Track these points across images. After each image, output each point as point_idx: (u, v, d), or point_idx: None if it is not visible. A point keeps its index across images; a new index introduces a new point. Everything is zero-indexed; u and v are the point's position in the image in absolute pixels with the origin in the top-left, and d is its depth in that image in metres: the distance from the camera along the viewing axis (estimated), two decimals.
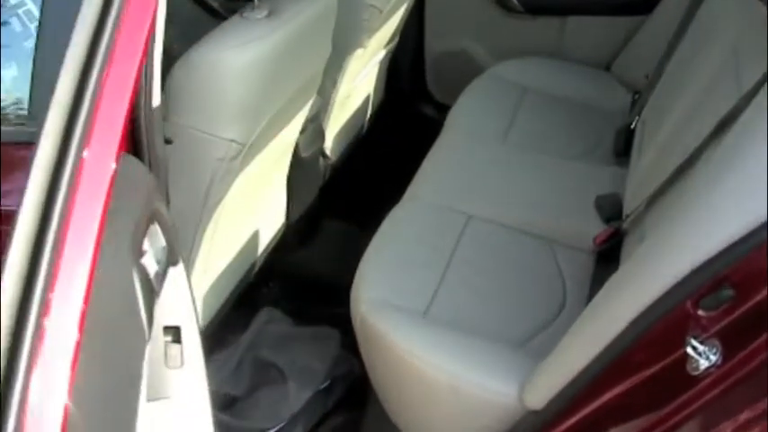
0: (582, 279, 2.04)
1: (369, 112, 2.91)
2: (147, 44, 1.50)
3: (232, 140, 1.75)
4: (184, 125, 1.73)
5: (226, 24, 1.77)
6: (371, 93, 2.87)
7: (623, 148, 2.43)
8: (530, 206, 2.24)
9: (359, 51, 2.45)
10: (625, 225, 2.00)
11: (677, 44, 2.34)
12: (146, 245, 1.25)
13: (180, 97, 1.72)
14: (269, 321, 2.25)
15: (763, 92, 1.48)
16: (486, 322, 1.87)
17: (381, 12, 2.41)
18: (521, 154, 2.46)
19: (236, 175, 1.85)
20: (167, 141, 1.72)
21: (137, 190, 1.28)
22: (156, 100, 1.60)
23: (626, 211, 2.09)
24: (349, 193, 2.83)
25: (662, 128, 2.07)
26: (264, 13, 1.79)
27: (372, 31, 2.44)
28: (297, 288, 2.58)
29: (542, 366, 1.62)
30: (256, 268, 2.29)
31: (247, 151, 1.83)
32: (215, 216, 1.87)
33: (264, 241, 2.28)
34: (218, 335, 2.18)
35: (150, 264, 1.22)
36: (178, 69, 1.70)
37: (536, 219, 2.20)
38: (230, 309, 2.20)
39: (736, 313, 1.32)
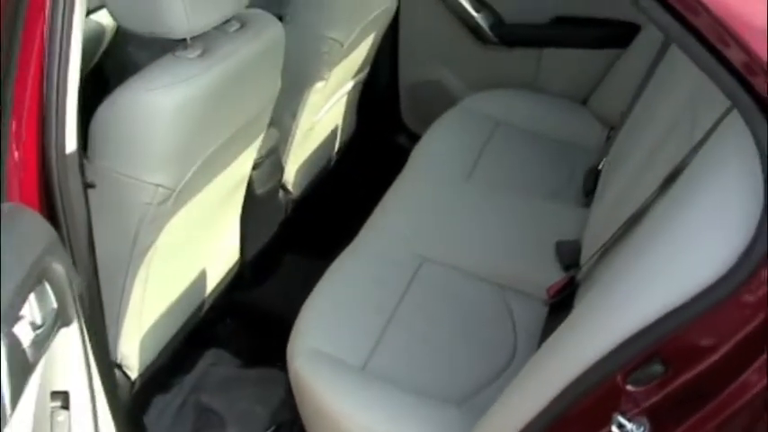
0: (535, 330, 1.95)
1: (337, 145, 2.83)
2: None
3: (159, 185, 1.68)
4: (108, 168, 1.66)
5: (156, 64, 1.69)
6: (340, 124, 2.79)
7: (592, 188, 2.34)
8: (487, 250, 2.16)
9: (319, 84, 2.38)
10: (579, 276, 1.91)
11: (646, 84, 2.25)
12: (27, 308, 1.17)
13: (104, 140, 1.65)
14: (215, 363, 2.17)
15: (710, 145, 1.39)
16: (429, 376, 1.79)
17: (343, 45, 2.33)
18: (485, 193, 2.38)
19: (169, 217, 1.78)
20: (89, 185, 1.65)
21: (23, 246, 1.20)
22: (71, 144, 1.54)
23: (582, 259, 2.00)
24: (313, 228, 2.75)
25: (621, 173, 1.98)
26: (198, 51, 1.72)
27: (333, 64, 2.36)
28: (254, 326, 2.50)
29: (480, 425, 1.54)
30: (206, 307, 2.21)
31: (180, 194, 1.75)
32: (146, 260, 1.79)
33: (215, 279, 2.21)
34: (162, 377, 2.10)
35: (25, 332, 1.14)
36: (103, 110, 1.63)
37: (493, 264, 2.11)
38: (177, 349, 2.12)
39: (667, 390, 1.24)
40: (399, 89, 3.11)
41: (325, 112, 2.57)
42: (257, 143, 2.13)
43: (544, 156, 2.62)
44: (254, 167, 2.28)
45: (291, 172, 2.54)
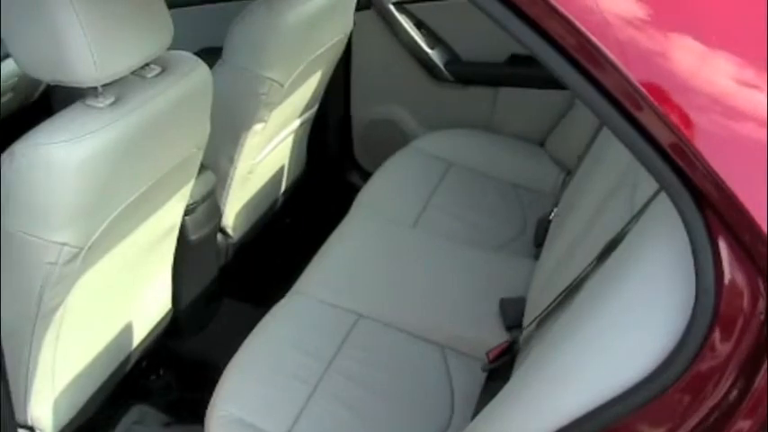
0: (473, 394, 1.84)
1: (284, 185, 2.72)
2: None
3: (64, 244, 1.56)
4: (9, 226, 1.54)
5: (62, 113, 1.58)
6: (287, 163, 2.68)
7: (542, 240, 2.23)
8: (429, 305, 2.04)
9: (258, 126, 2.27)
10: (520, 340, 1.80)
11: (600, 130, 2.15)
12: None
13: (4, 195, 1.53)
14: (138, 421, 2.05)
15: (647, 216, 1.28)
16: None
17: (283, 85, 2.22)
18: (430, 242, 2.27)
19: (79, 275, 1.66)
20: None
21: None
22: None
23: (525, 321, 1.89)
24: (253, 274, 2.64)
25: (566, 229, 1.87)
26: (110, 100, 1.60)
27: (273, 105, 2.25)
28: (186, 378, 2.38)
29: None
30: (133, 361, 2.09)
31: (90, 251, 1.63)
32: (56, 320, 1.68)
33: (142, 331, 2.09)
34: None
35: None
36: (5, 159, 1.51)
37: (434, 321, 2.00)
38: (100, 406, 2.00)
39: None
40: (352, 126, 2.99)
41: (267, 152, 2.46)
42: (187, 189, 2.01)
43: (497, 200, 2.51)
44: (188, 213, 2.17)
45: (231, 216, 2.42)
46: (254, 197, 2.52)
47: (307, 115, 2.63)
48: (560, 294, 1.57)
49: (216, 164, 2.29)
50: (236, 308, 2.54)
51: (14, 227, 1.55)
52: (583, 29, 0.96)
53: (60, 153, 1.50)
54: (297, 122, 2.58)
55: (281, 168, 2.65)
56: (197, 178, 2.18)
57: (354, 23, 2.59)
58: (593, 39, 0.96)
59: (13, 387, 1.74)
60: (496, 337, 1.93)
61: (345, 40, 2.58)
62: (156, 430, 2.04)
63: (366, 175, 2.73)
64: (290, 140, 2.62)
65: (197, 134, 1.89)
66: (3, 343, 1.64)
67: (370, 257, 2.18)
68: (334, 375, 1.82)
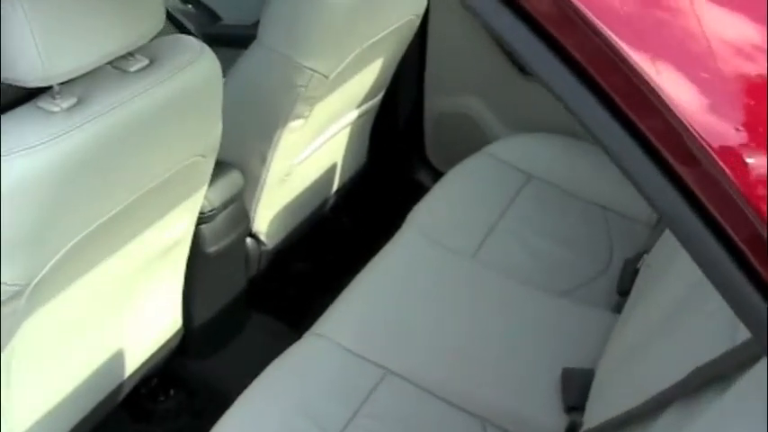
0: None
1: (336, 183, 2.35)
2: None
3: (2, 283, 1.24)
4: None
5: (6, 118, 1.26)
6: (341, 160, 2.31)
7: (628, 288, 1.80)
8: (474, 367, 1.67)
9: (295, 123, 1.91)
10: None
11: None
12: None
13: None
14: None
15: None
16: None
17: (327, 77, 1.85)
18: (489, 280, 1.87)
19: (25, 317, 1.34)
20: None
21: None
22: None
23: (590, 403, 1.49)
24: (288, 287, 2.30)
25: (649, 301, 1.46)
26: (69, 101, 1.27)
27: (314, 99, 1.89)
28: (196, 402, 2.08)
29: None
30: (126, 389, 1.79)
31: (39, 287, 1.32)
32: (3, 363, 1.37)
33: (137, 357, 1.78)
34: None
35: None
36: None
37: (477, 388, 1.63)
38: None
39: None
40: (424, 120, 2.59)
41: (311, 152, 2.09)
42: (194, 201, 1.68)
43: (580, 225, 2.09)
44: (204, 222, 1.84)
45: (263, 221, 2.08)
46: (296, 199, 2.17)
47: (366, 106, 2.25)
48: (630, 412, 1.17)
49: (245, 163, 1.95)
50: (265, 325, 2.21)
51: None
52: None
53: None
54: (353, 114, 2.20)
55: (333, 166, 2.29)
56: (219, 181, 1.85)
57: (429, 2, 2.19)
58: None
59: None
60: (552, 417, 1.56)
61: (418, 22, 2.18)
62: None
63: (437, 175, 2.34)
64: (344, 134, 2.25)
65: (199, 140, 1.55)
66: None
67: (411, 296, 1.80)
68: None
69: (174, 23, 2.47)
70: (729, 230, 0.73)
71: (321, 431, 1.50)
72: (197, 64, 1.45)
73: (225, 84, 1.87)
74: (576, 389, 1.58)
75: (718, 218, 0.74)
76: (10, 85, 1.24)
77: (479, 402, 1.60)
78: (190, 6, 2.55)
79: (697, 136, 0.73)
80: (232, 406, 1.52)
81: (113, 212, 1.40)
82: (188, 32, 2.49)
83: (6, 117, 1.26)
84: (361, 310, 1.76)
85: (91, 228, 1.36)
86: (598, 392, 1.48)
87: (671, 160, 0.75)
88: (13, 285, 1.27)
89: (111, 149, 1.31)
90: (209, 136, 1.57)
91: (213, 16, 2.56)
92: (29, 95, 1.30)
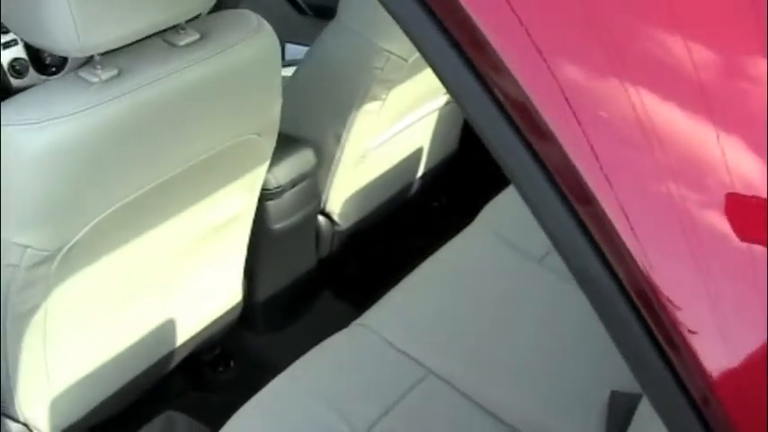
0: None
1: (422, 168, 2.29)
2: None
3: (26, 246, 1.26)
4: None
5: (46, 86, 1.27)
6: (428, 144, 2.25)
7: None
8: (518, 376, 1.59)
9: (372, 106, 1.86)
10: None
11: None
12: None
13: None
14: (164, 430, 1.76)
15: None
16: None
17: (407, 60, 1.79)
18: (552, 287, 1.77)
19: (59, 281, 1.36)
20: None
21: None
22: None
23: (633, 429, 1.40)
24: (360, 268, 2.26)
25: None
26: (110, 73, 1.27)
27: (392, 82, 1.83)
28: (258, 375, 2.07)
29: None
30: (175, 360, 1.80)
31: (72, 254, 1.33)
32: (35, 324, 1.40)
33: (189, 330, 1.79)
34: None
35: None
36: None
37: (520, 401, 1.55)
38: (128, 407, 1.75)
39: None
40: None
41: (391, 135, 2.04)
42: (254, 178, 1.67)
43: None
44: (271, 198, 1.83)
45: (337, 201, 2.05)
46: (373, 182, 2.13)
47: None
48: None
49: (319, 142, 1.92)
50: (332, 306, 2.19)
51: None
52: None
53: (21, 139, 1.20)
54: (440, 101, 2.13)
55: (418, 151, 2.23)
56: (289, 158, 1.83)
57: None
58: None
59: None
60: None
61: None
62: None
63: None
64: (431, 120, 2.18)
65: (252, 118, 1.52)
66: None
67: (468, 295, 1.73)
68: None
69: None
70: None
71: (348, 427, 1.46)
72: (251, 41, 1.42)
73: (303, 60, 1.85)
74: (620, 413, 1.48)
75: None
76: None
77: (517, 414, 1.52)
78: None
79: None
80: (261, 391, 1.50)
81: (155, 184, 1.39)
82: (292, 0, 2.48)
83: (50, 84, 1.28)
84: (412, 304, 1.71)
85: (128, 198, 1.36)
86: (640, 421, 1.38)
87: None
88: (42, 251, 1.28)
89: (148, 122, 1.31)
90: (264, 115, 1.54)
91: None
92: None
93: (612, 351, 1.56)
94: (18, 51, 2.03)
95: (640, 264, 0.66)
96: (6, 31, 2.02)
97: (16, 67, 2.00)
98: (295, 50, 2.59)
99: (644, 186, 0.68)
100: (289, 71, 2.09)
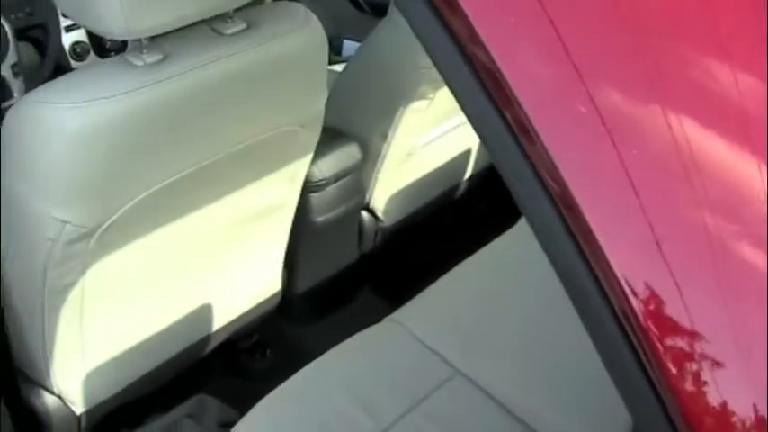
0: None
1: (470, 170, 2.29)
2: None
3: (65, 222, 1.29)
4: (8, 185, 1.31)
5: (95, 68, 1.31)
6: (475, 149, 2.25)
7: None
8: (547, 383, 1.58)
9: (419, 104, 1.87)
10: None
11: None
12: None
13: (6, 151, 1.30)
14: (192, 415, 1.80)
15: None
16: None
17: None
18: None
19: (96, 258, 1.40)
20: None
21: None
22: None
23: None
24: (401, 266, 2.27)
25: None
26: (156, 57, 1.29)
27: (439, 82, 1.81)
28: (294, 365, 2.10)
29: None
30: (211, 344, 1.83)
31: (109, 233, 1.36)
32: (72, 299, 1.44)
33: (226, 316, 1.81)
34: (122, 418, 1.77)
35: None
36: (8, 116, 1.27)
37: (545, 407, 1.54)
38: (158, 388, 1.79)
39: None
40: None
41: (439, 135, 2.04)
42: (296, 169, 1.69)
43: None
44: (314, 191, 1.85)
45: (381, 198, 2.06)
46: (419, 181, 2.13)
47: None
48: None
49: (366, 138, 1.94)
50: (372, 301, 2.20)
51: (15, 189, 1.31)
52: None
53: (64, 117, 1.23)
54: None
55: (466, 152, 2.23)
56: (334, 152, 1.85)
57: None
58: None
59: (31, 353, 1.54)
60: None
61: None
62: (203, 431, 1.77)
63: None
64: None
65: (295, 110, 1.54)
66: (17, 304, 1.45)
67: (506, 297, 1.73)
68: None
69: None
70: None
71: (371, 421, 1.47)
72: (298, 33, 1.44)
73: (354, 56, 1.86)
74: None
75: None
76: None
77: (545, 421, 1.52)
78: None
79: None
80: (288, 379, 1.52)
81: (194, 169, 1.42)
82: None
83: (97, 66, 1.31)
84: (446, 303, 1.71)
85: (167, 181, 1.38)
86: None
87: None
88: (80, 227, 1.31)
89: (190, 107, 1.33)
90: (307, 107, 1.56)
91: None
92: None
93: None
94: (80, 35, 2.09)
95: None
96: None
97: (77, 50, 2.06)
98: (352, 47, 2.61)
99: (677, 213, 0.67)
100: (342, 67, 2.11)
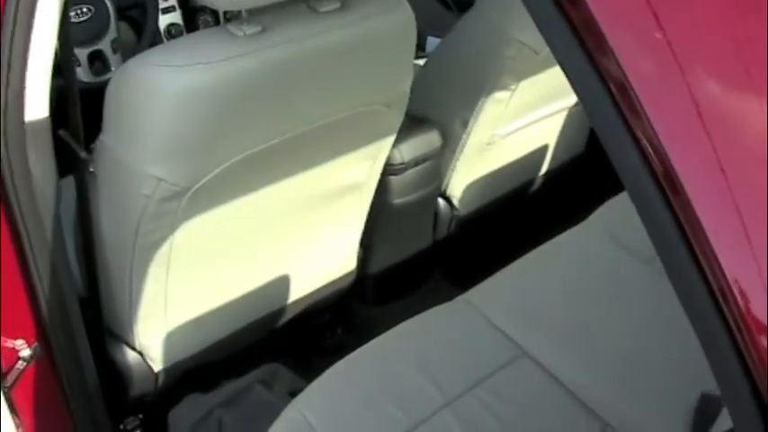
0: None
1: (546, 166, 2.33)
2: None
3: (160, 179, 1.37)
4: (109, 146, 1.40)
5: (195, 35, 1.39)
6: (553, 143, 2.28)
7: None
8: (609, 368, 1.60)
9: (501, 95, 1.91)
10: None
11: None
12: None
13: (109, 112, 1.39)
14: (263, 381, 1.85)
15: None
16: None
17: (537, 53, 1.84)
18: (657, 287, 1.76)
19: (187, 217, 1.47)
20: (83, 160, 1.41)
21: None
22: (36, 107, 1.28)
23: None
24: (473, 255, 2.30)
25: None
26: (255, 29, 1.37)
27: (522, 73, 1.88)
28: (363, 344, 2.16)
29: None
30: (286, 316, 1.90)
31: (199, 194, 1.43)
32: (161, 255, 1.52)
33: (302, 289, 1.88)
34: (198, 379, 1.85)
35: None
36: (115, 77, 1.36)
37: (605, 389, 1.57)
38: (233, 352, 1.86)
39: None
40: None
41: (519, 127, 2.08)
42: (378, 149, 1.74)
43: None
44: (394, 173, 1.91)
45: (458, 186, 2.11)
46: (496, 172, 2.17)
47: None
48: None
49: (447, 126, 1.99)
50: (443, 287, 2.24)
51: (114, 148, 1.40)
52: None
53: (168, 78, 1.31)
54: (570, 100, 2.16)
55: (543, 147, 2.26)
56: (415, 137, 1.91)
57: None
58: None
59: (117, 309, 1.63)
60: None
61: None
62: (271, 398, 1.83)
63: None
64: (559, 118, 2.22)
65: (382, 89, 1.60)
66: (108, 257, 1.53)
67: (571, 285, 1.76)
68: (449, 418, 1.48)
69: None
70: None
71: (438, 391, 1.52)
72: (389, 15, 1.50)
73: (439, 46, 1.92)
74: (706, 415, 1.48)
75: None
76: None
77: (606, 406, 1.54)
78: None
79: None
80: (358, 349, 1.57)
81: (282, 139, 1.48)
82: None
83: (199, 34, 1.39)
84: (516, 286, 1.75)
85: (257, 149, 1.45)
86: (725, 419, 1.38)
87: None
88: (174, 185, 1.39)
89: (283, 78, 1.40)
90: (394, 87, 1.61)
91: None
92: None
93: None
94: (175, 17, 2.19)
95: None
96: None
97: (172, 32, 2.16)
98: (435, 43, 2.67)
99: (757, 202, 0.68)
100: (425, 61, 2.16)
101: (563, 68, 0.73)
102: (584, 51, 0.70)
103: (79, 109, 1.40)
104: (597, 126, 0.73)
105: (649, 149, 0.70)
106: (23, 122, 1.27)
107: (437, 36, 2.63)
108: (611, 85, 0.71)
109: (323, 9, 1.44)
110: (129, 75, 1.34)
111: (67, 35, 1.31)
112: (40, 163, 1.33)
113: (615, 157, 0.72)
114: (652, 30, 0.69)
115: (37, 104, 1.28)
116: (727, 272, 0.69)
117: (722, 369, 0.72)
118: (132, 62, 1.35)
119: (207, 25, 2.23)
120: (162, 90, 1.30)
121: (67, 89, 1.40)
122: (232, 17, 1.53)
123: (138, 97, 1.32)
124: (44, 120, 1.31)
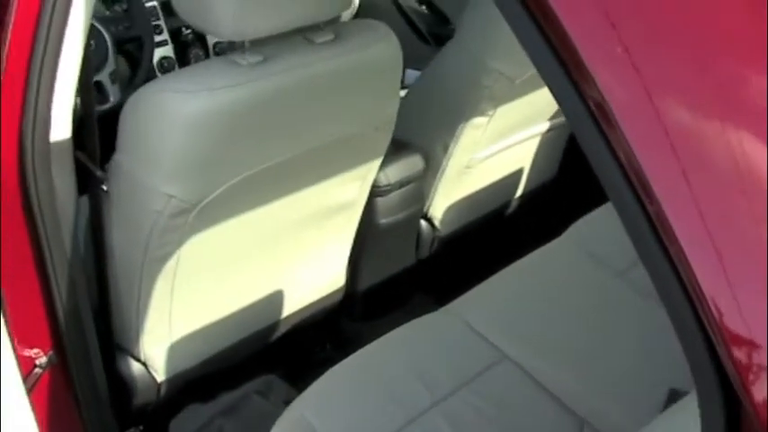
0: None
1: (521, 189, 2.47)
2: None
3: (171, 196, 1.49)
4: (123, 164, 1.52)
5: (203, 64, 1.52)
6: (528, 167, 2.43)
7: None
8: (586, 369, 1.73)
9: (479, 120, 2.05)
10: None
11: None
12: None
13: (124, 132, 1.50)
14: (261, 392, 1.96)
15: None
16: None
17: (513, 81, 1.98)
18: (628, 298, 1.91)
19: (192, 233, 1.59)
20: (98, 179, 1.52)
21: None
22: (60, 130, 1.40)
23: None
24: (459, 274, 2.43)
25: None
26: (257, 58, 1.50)
27: (499, 100, 2.02)
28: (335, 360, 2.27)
29: None
30: (279, 331, 2.01)
31: (205, 211, 1.55)
32: (166, 270, 1.63)
33: (295, 304, 2.00)
34: (198, 389, 1.95)
35: None
36: (131, 100, 1.48)
37: (582, 389, 1.69)
38: (232, 364, 1.96)
39: None
40: None
41: (496, 151, 2.22)
42: (366, 170, 1.87)
43: None
44: (380, 195, 2.03)
45: (440, 207, 2.24)
46: (475, 194, 2.31)
47: (558, 121, 2.34)
48: None
49: (429, 149, 2.12)
50: (425, 304, 2.36)
51: (128, 166, 1.52)
52: None
53: (180, 102, 1.43)
54: (544, 126, 2.31)
55: (519, 171, 2.41)
56: (399, 160, 2.04)
57: None
58: None
59: (125, 321, 1.73)
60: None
61: None
62: (270, 408, 1.94)
63: None
64: (534, 143, 2.36)
65: (372, 114, 1.73)
66: (118, 271, 1.63)
67: (546, 295, 1.89)
68: (437, 418, 1.60)
69: (407, 20, 2.69)
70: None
71: (427, 391, 1.63)
72: (378, 45, 1.64)
73: (422, 75, 2.06)
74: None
75: None
76: None
77: (582, 404, 1.67)
78: (423, 8, 2.77)
79: None
80: (350, 356, 1.68)
81: (281, 159, 1.61)
82: (417, 30, 2.70)
83: (205, 63, 1.52)
84: (496, 296, 1.87)
85: (259, 168, 1.58)
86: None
87: None
88: (183, 202, 1.51)
89: (284, 103, 1.53)
90: (382, 111, 1.75)
91: (443, 19, 2.76)
92: None
93: (680, 358, 1.70)
94: (167, 51, 2.31)
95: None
96: (160, 32, 2.30)
97: (164, 65, 2.29)
98: (414, 76, 2.81)
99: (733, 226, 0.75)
100: (405, 93, 2.30)
101: (551, 90, 0.85)
102: (567, 76, 0.82)
103: (96, 131, 1.52)
104: (580, 139, 0.85)
105: (625, 161, 0.81)
106: (49, 142, 1.39)
107: (416, 69, 2.78)
108: (591, 104, 0.83)
109: (318, 40, 1.58)
110: (143, 99, 1.46)
111: (89, 63, 1.43)
112: (63, 180, 1.44)
113: (597, 168, 0.84)
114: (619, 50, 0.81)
115: (61, 126, 1.40)
116: (693, 265, 0.77)
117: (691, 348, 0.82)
118: (148, 88, 1.47)
119: (198, 58, 2.35)
120: (174, 114, 1.43)
121: (85, 113, 1.52)
122: (221, 51, 1.66)
123: (152, 120, 1.45)
124: (67, 140, 1.43)
